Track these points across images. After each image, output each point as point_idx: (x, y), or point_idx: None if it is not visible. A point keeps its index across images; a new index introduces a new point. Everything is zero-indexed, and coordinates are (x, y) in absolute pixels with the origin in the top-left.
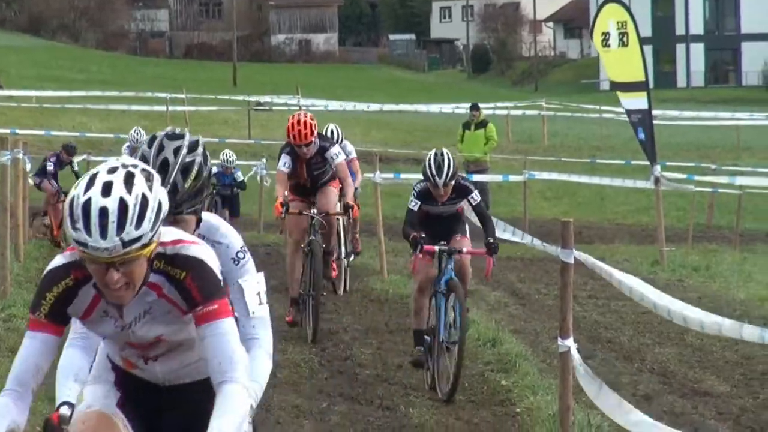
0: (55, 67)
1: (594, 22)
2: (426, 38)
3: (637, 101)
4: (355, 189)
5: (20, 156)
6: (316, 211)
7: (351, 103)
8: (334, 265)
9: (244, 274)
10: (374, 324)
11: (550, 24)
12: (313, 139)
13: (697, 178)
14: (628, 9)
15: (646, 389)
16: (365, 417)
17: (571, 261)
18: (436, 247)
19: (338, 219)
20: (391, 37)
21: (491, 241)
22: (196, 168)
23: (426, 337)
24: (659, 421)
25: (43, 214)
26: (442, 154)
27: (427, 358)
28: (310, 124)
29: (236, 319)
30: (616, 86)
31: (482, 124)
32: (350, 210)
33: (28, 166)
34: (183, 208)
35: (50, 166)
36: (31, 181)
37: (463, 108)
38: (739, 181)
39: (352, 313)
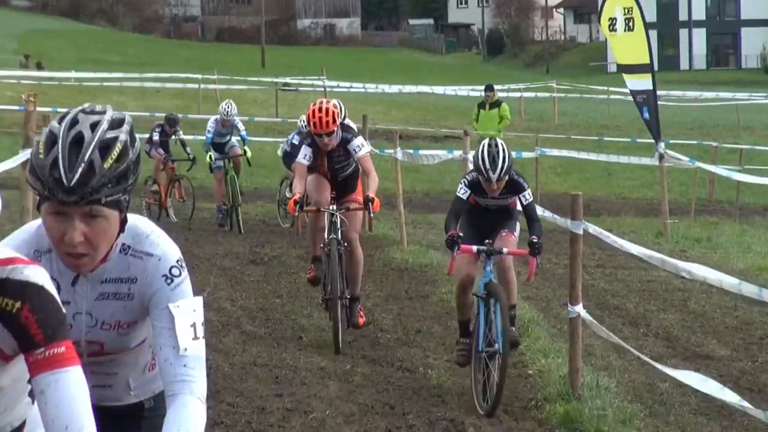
0: (93, 50)
1: (602, 7)
2: (444, 23)
3: (642, 82)
4: (369, 200)
5: None
6: (335, 207)
7: (373, 85)
8: (362, 313)
9: (177, 297)
10: (395, 291)
11: (561, 10)
12: (335, 128)
13: (698, 163)
14: None
15: (651, 352)
16: (386, 378)
17: (580, 232)
18: (474, 248)
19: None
20: (411, 21)
21: (535, 240)
22: (119, 146)
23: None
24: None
25: (153, 182)
26: (496, 145)
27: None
28: (333, 112)
29: (162, 348)
30: (623, 68)
31: (496, 104)
32: (371, 203)
33: None
34: (102, 194)
35: (156, 136)
36: None
37: (479, 89)
38: (736, 176)
39: (374, 281)
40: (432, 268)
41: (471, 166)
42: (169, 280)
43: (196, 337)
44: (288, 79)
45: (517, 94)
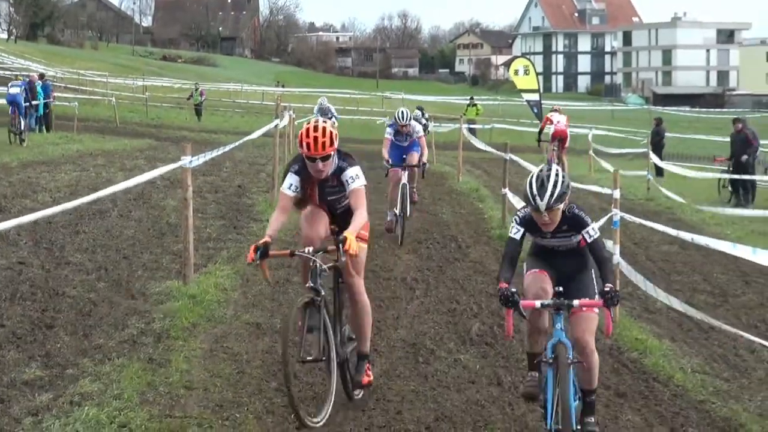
0: (305, 79)
1: (509, 64)
2: (453, 71)
3: (534, 96)
4: (424, 164)
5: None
6: (312, 250)
7: (423, 95)
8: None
9: None
10: (453, 200)
11: (502, 66)
12: (331, 151)
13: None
14: (530, 60)
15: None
16: (440, 239)
17: (508, 157)
18: (537, 303)
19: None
20: (440, 70)
21: (607, 289)
22: None
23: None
24: None
25: None
26: (548, 170)
27: (541, 390)
28: (330, 132)
29: None
30: (521, 91)
31: (474, 105)
32: (342, 244)
33: None
34: None
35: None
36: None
37: (467, 98)
38: (576, 130)
39: (445, 201)
40: (474, 191)
41: (465, 131)
42: None
43: None
44: (388, 93)
45: (482, 102)
